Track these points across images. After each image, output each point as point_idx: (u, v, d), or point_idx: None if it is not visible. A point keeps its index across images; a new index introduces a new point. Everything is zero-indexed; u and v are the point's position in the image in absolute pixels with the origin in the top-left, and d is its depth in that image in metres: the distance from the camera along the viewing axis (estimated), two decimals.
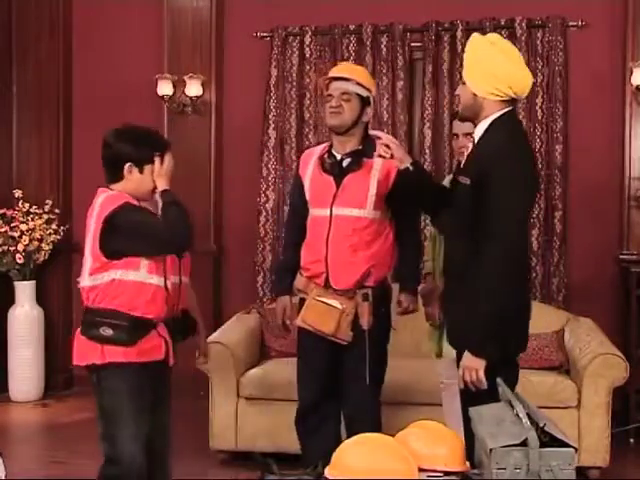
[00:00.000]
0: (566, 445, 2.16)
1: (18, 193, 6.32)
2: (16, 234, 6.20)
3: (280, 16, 6.17)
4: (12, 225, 6.24)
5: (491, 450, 2.16)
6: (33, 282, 6.35)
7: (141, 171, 3.27)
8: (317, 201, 3.90)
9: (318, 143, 5.35)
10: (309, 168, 3.98)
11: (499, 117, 3.15)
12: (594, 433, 4.59)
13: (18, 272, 6.29)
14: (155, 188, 3.29)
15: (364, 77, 3.93)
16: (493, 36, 3.27)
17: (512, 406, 2.33)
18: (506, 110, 3.16)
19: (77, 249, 3.32)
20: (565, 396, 4.67)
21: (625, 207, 5.79)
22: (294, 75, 6.16)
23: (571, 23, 5.89)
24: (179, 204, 3.26)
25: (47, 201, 6.34)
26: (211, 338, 4.90)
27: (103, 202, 3.22)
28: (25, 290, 6.32)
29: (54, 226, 6.31)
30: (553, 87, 5.86)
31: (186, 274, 4.10)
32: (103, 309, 3.21)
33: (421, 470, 2.28)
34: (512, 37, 5.70)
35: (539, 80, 5.79)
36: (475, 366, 3.05)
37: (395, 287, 3.99)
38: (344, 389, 3.91)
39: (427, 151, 5.97)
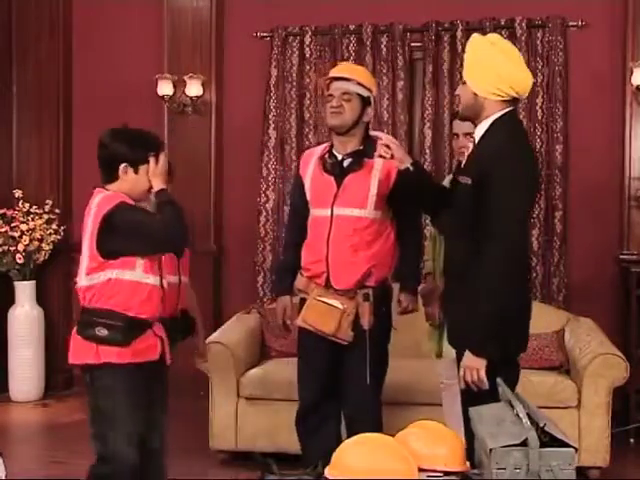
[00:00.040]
0: (566, 445, 2.16)
1: (18, 193, 6.33)
2: (16, 234, 6.21)
3: (280, 16, 6.17)
4: (12, 225, 6.24)
5: (491, 450, 2.16)
6: (33, 282, 6.35)
7: (136, 171, 3.29)
8: (318, 201, 3.90)
9: (318, 143, 5.35)
10: (310, 168, 3.98)
11: (500, 117, 3.15)
12: (594, 433, 4.59)
13: (18, 272, 6.29)
14: (151, 188, 3.31)
15: (365, 77, 3.93)
16: (493, 36, 3.27)
17: (512, 406, 2.33)
18: (507, 110, 3.16)
19: (77, 249, 3.33)
20: (565, 396, 4.67)
21: (625, 207, 5.79)
22: (294, 75, 6.16)
23: (571, 23, 5.89)
24: (174, 203, 3.28)
25: (47, 201, 6.35)
26: (211, 338, 4.91)
27: (100, 202, 3.24)
28: (25, 290, 6.32)
29: (54, 226, 6.31)
30: (553, 87, 5.86)
31: (185, 274, 4.12)
32: (99, 309, 3.23)
33: (421, 470, 2.28)
34: (512, 37, 5.70)
35: (539, 80, 5.79)
36: (476, 366, 3.05)
37: (395, 287, 3.99)
38: (344, 389, 3.91)
39: (427, 151, 5.97)
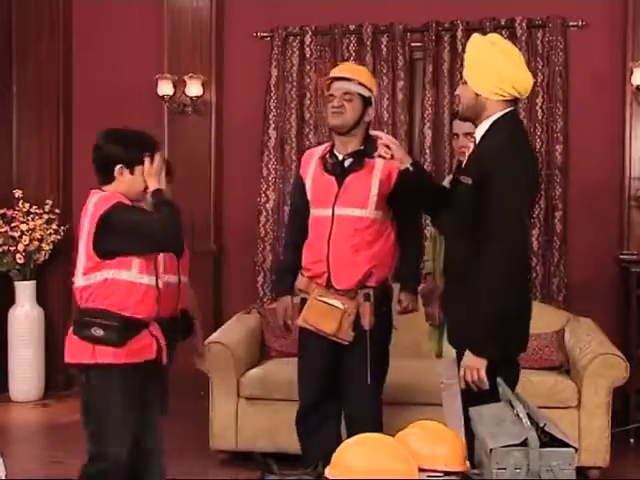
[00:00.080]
0: (566, 445, 2.16)
1: (18, 193, 6.33)
2: (16, 234, 6.21)
3: (280, 16, 6.17)
4: (12, 225, 6.24)
5: (491, 450, 2.16)
6: (33, 282, 6.35)
7: (132, 172, 3.30)
8: (319, 201, 3.90)
9: (319, 143, 5.36)
10: (310, 168, 3.98)
11: (501, 117, 3.15)
12: (594, 433, 4.59)
13: (18, 272, 6.29)
14: (147, 188, 3.31)
15: (366, 77, 3.93)
16: (493, 36, 3.27)
17: (512, 406, 2.33)
18: (508, 110, 3.16)
19: (76, 249, 3.35)
20: (565, 396, 4.67)
21: (625, 207, 5.79)
22: (294, 75, 6.16)
23: (571, 23, 5.89)
24: (170, 203, 3.29)
25: (47, 201, 6.35)
26: (211, 338, 4.92)
27: (97, 202, 3.25)
28: (25, 290, 6.33)
29: (54, 226, 6.31)
30: (553, 87, 5.86)
31: (185, 274, 4.12)
32: (94, 309, 3.24)
33: (421, 470, 2.28)
34: (512, 37, 5.70)
35: (539, 80, 5.79)
36: (476, 366, 3.05)
37: (395, 287, 3.99)
38: (345, 389, 3.91)
39: (427, 151, 5.97)
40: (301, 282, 3.98)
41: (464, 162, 3.34)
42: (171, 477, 3.80)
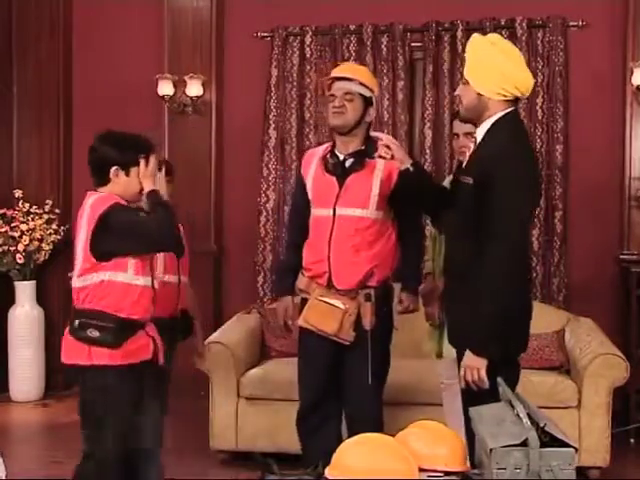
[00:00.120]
0: (566, 445, 2.16)
1: (18, 193, 6.33)
2: (16, 234, 6.21)
3: (280, 16, 6.17)
4: (12, 225, 6.24)
5: (491, 450, 2.16)
6: (33, 282, 6.35)
7: (127, 174, 3.32)
8: (320, 201, 3.90)
9: (319, 143, 5.36)
10: (311, 168, 3.98)
11: (502, 117, 3.15)
12: (594, 433, 4.59)
13: (18, 272, 6.30)
14: (142, 190, 3.33)
15: (367, 77, 3.93)
16: (493, 36, 3.27)
17: (512, 406, 2.33)
18: (509, 110, 3.16)
19: (74, 250, 3.38)
20: (565, 396, 4.67)
21: (625, 207, 5.79)
22: (294, 75, 6.16)
23: (571, 23, 5.89)
24: (165, 204, 3.32)
25: (47, 201, 6.35)
26: (211, 338, 4.92)
27: (93, 203, 3.27)
28: (25, 290, 6.33)
29: (54, 226, 6.31)
30: (553, 87, 5.86)
31: (185, 274, 4.12)
32: (90, 310, 3.26)
33: (421, 470, 2.28)
34: (512, 37, 5.70)
35: (540, 80, 5.79)
36: (477, 365, 3.05)
37: (396, 287, 3.99)
38: (346, 389, 3.91)
39: (427, 151, 5.97)
40: (302, 282, 3.98)
41: (465, 162, 3.34)
42: (171, 477, 3.81)
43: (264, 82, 6.17)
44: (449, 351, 3.51)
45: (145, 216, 3.29)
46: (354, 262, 3.80)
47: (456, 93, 3.43)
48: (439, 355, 4.08)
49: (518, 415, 2.24)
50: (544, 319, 4.86)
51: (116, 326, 3.24)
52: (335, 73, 3.96)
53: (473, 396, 2.99)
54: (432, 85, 5.98)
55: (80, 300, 3.29)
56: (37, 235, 6.23)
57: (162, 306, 3.92)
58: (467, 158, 3.30)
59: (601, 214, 5.91)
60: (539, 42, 5.87)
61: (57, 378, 6.45)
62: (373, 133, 3.96)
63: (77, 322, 3.28)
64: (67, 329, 3.34)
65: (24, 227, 6.21)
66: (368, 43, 6.03)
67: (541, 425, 2.17)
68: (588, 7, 5.89)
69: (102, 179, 3.32)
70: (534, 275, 5.71)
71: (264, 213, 6.18)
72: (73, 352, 3.29)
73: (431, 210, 3.68)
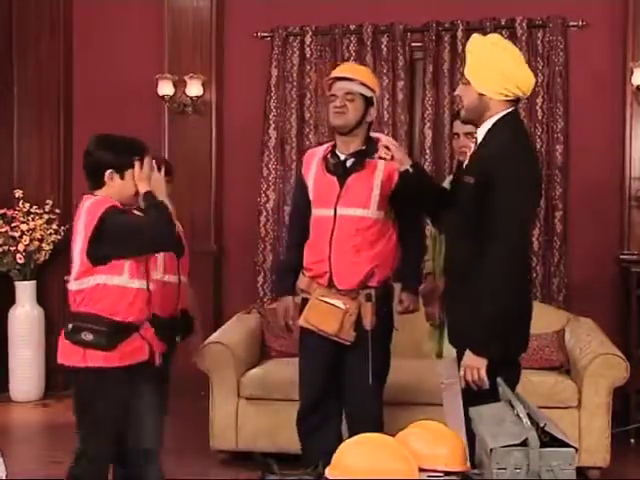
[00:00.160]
0: (566, 445, 2.16)
1: (19, 193, 6.33)
2: (17, 234, 6.21)
3: (280, 16, 6.17)
4: (13, 225, 6.24)
5: (491, 450, 2.16)
6: (33, 282, 6.35)
7: (122, 177, 3.34)
8: (321, 201, 3.90)
9: (319, 143, 5.36)
10: (312, 168, 3.97)
11: (503, 117, 3.15)
12: (594, 433, 4.59)
13: (18, 272, 6.30)
14: (137, 192, 3.35)
15: (368, 77, 3.93)
16: (494, 36, 3.28)
17: (512, 406, 2.33)
18: (510, 110, 3.16)
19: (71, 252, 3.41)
20: (565, 396, 4.66)
21: (625, 207, 5.79)
22: (294, 75, 6.16)
23: (571, 23, 5.89)
24: (161, 205, 3.33)
25: (47, 201, 6.35)
26: (211, 338, 4.92)
27: (90, 207, 3.29)
28: (25, 290, 6.33)
29: (54, 226, 6.31)
30: (554, 87, 5.86)
31: (185, 274, 4.12)
32: (85, 313, 3.28)
33: (421, 470, 2.28)
34: (513, 37, 5.70)
35: (540, 80, 5.78)
36: (477, 365, 3.05)
37: (396, 287, 3.99)
38: (346, 389, 3.91)
39: (427, 151, 5.97)
40: (302, 282, 3.98)
41: (465, 162, 3.33)
42: (171, 477, 3.81)
43: (264, 82, 6.17)
44: (449, 351, 3.52)
45: (141, 218, 3.32)
46: (355, 262, 3.80)
47: (456, 93, 3.43)
48: (439, 355, 4.08)
49: (518, 415, 2.24)
50: (544, 319, 4.86)
51: (109, 329, 3.26)
52: (336, 73, 3.96)
53: (473, 396, 2.99)
54: (432, 85, 5.98)
55: (76, 303, 3.32)
56: (37, 235, 6.23)
57: (162, 306, 3.92)
58: (468, 158, 3.30)
59: (601, 214, 5.91)
60: (539, 42, 5.87)
61: (57, 378, 6.44)
62: (373, 134, 3.96)
63: (71, 325, 3.31)
64: (62, 332, 3.37)
65: (24, 227, 6.21)
66: (368, 43, 6.03)
67: (541, 425, 2.17)
68: (588, 7, 5.89)
69: (97, 182, 3.35)
70: (534, 275, 5.71)
71: (264, 213, 6.18)
72: (68, 354, 3.32)
73: (431, 211, 3.68)
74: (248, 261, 6.21)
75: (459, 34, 5.90)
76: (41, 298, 6.40)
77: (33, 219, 6.25)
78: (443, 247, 3.80)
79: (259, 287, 6.18)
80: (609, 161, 5.88)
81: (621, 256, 5.76)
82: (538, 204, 3.66)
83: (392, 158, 3.33)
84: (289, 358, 4.74)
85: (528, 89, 3.18)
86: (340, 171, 3.87)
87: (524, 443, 2.14)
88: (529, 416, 2.22)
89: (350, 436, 2.73)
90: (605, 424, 4.60)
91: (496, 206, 3.03)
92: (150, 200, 3.31)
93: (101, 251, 3.23)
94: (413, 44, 6.07)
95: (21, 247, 6.18)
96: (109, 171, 3.31)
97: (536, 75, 5.65)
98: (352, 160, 3.87)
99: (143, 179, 3.34)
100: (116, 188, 3.33)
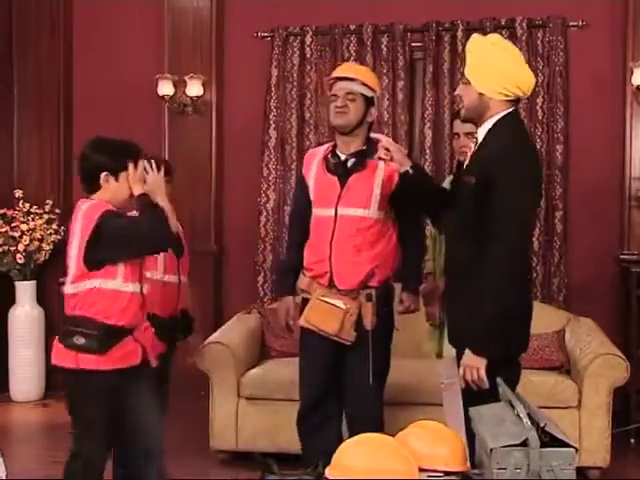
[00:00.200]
0: (566, 445, 2.16)
1: (19, 193, 6.33)
2: (17, 234, 6.21)
3: (281, 16, 6.17)
4: (13, 225, 6.24)
5: (491, 450, 2.16)
6: (34, 282, 6.35)
7: (117, 179, 3.35)
8: (322, 201, 3.90)
9: (319, 143, 5.36)
10: (313, 168, 3.97)
11: (503, 117, 3.14)
12: (594, 433, 4.59)
13: (19, 272, 6.30)
14: (132, 194, 3.37)
15: (369, 77, 3.93)
16: (494, 36, 3.28)
17: (513, 406, 2.33)
18: (510, 110, 3.16)
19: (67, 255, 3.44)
20: (566, 396, 4.66)
21: (626, 207, 5.79)
22: (295, 75, 6.16)
23: (571, 23, 5.89)
24: (156, 207, 3.35)
25: (47, 201, 6.35)
26: (211, 338, 4.92)
27: (86, 211, 3.31)
28: (26, 290, 6.33)
29: (54, 226, 6.31)
30: (554, 87, 5.86)
31: (185, 274, 4.13)
32: (79, 317, 3.30)
33: (421, 470, 2.28)
34: (513, 37, 5.70)
35: (540, 80, 5.78)
36: (476, 365, 3.05)
37: (397, 287, 3.99)
38: (347, 389, 3.91)
39: (427, 151, 5.97)
40: (303, 282, 3.98)
41: (466, 162, 3.33)
42: (171, 477, 3.80)
43: (264, 82, 6.17)
44: (449, 351, 3.51)
45: (136, 221, 3.34)
46: (355, 262, 3.80)
47: (456, 93, 3.43)
48: (439, 355, 4.08)
49: (518, 415, 2.24)
50: (544, 319, 4.86)
51: (101, 333, 3.28)
52: (337, 73, 3.96)
53: (473, 396, 2.98)
54: (432, 85, 5.97)
55: (71, 307, 3.34)
56: (37, 235, 6.24)
57: (162, 306, 3.93)
58: (468, 158, 3.30)
59: (601, 214, 5.91)
60: (539, 42, 5.87)
61: (57, 378, 6.41)
62: (373, 134, 3.96)
63: (65, 329, 3.34)
64: (57, 337, 3.40)
65: (24, 227, 6.21)
66: (368, 43, 6.03)
67: (541, 425, 2.17)
68: (588, 7, 5.89)
69: (92, 186, 3.37)
70: (534, 275, 5.71)
71: (264, 213, 6.18)
72: (62, 357, 3.34)
73: (431, 211, 3.68)
74: (248, 261, 6.21)
75: (459, 34, 5.90)
76: (41, 298, 6.40)
77: (33, 219, 6.26)
78: (443, 247, 3.80)
79: (259, 287, 6.18)
80: (609, 161, 5.88)
81: (621, 256, 5.76)
82: (538, 204, 3.66)
83: (391, 159, 3.33)
84: (289, 358, 4.74)
85: (528, 89, 3.18)
86: (341, 171, 3.87)
87: (524, 443, 2.14)
88: (529, 416, 2.22)
89: (350, 436, 2.73)
90: (605, 424, 4.60)
91: (496, 206, 3.03)
92: (146, 202, 3.33)
93: (98, 255, 3.25)
94: (413, 44, 6.07)
95: (21, 247, 6.18)
96: (104, 174, 3.33)
97: (536, 75, 5.65)
98: (353, 160, 3.87)
99: (137, 181, 3.36)
100: (110, 191, 3.35)
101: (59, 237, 6.32)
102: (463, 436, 2.71)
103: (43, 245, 6.27)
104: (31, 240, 6.21)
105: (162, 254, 3.84)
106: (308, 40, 6.13)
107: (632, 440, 5.28)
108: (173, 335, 4.06)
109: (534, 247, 5.76)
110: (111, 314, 3.29)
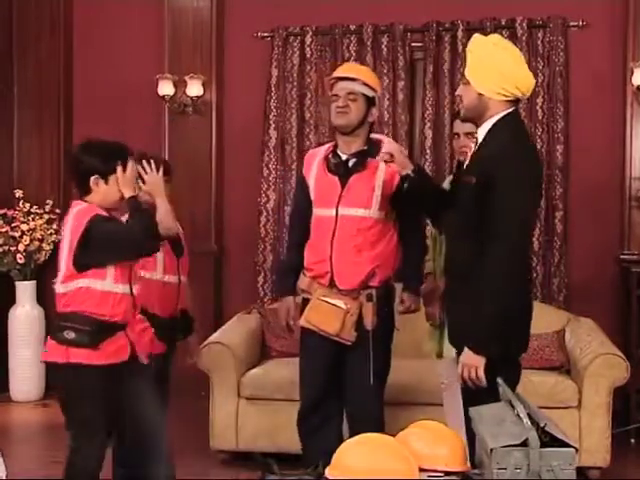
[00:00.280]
0: (567, 445, 2.16)
1: (19, 193, 6.33)
2: (17, 234, 6.21)
3: (281, 16, 6.17)
4: (13, 225, 6.24)
5: (492, 450, 2.16)
6: (34, 282, 6.35)
7: (106, 182, 3.36)
8: (322, 201, 3.90)
9: (319, 143, 5.36)
10: (313, 168, 3.97)
11: (503, 117, 3.14)
12: (595, 433, 4.59)
13: (19, 272, 6.29)
14: (122, 197, 3.37)
15: (370, 77, 3.93)
16: (494, 37, 3.28)
17: (513, 406, 2.33)
18: (510, 110, 3.16)
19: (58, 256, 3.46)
20: (566, 396, 4.66)
21: (626, 207, 5.79)
22: (295, 75, 6.16)
23: (572, 23, 5.89)
24: (144, 210, 3.38)
25: (48, 201, 6.35)
26: (211, 338, 4.92)
27: (76, 214, 3.34)
28: (26, 290, 6.33)
29: (55, 226, 6.31)
30: (554, 87, 5.86)
31: (184, 274, 4.13)
32: (70, 312, 3.33)
33: (422, 470, 2.28)
34: (513, 37, 5.70)
35: (540, 80, 5.78)
36: (475, 363, 3.05)
37: (398, 287, 3.99)
38: (347, 389, 3.91)
39: (428, 151, 5.97)
40: (303, 282, 3.98)
41: (466, 162, 3.33)
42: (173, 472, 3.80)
43: (264, 82, 6.17)
44: (449, 351, 3.51)
45: (124, 224, 3.36)
46: (356, 262, 3.80)
47: (457, 93, 3.43)
48: (439, 355, 4.08)
49: (518, 415, 2.24)
50: (544, 319, 4.86)
51: (92, 328, 3.29)
52: (338, 73, 3.96)
53: (473, 396, 2.98)
54: (432, 85, 5.97)
55: (61, 305, 3.37)
56: (37, 235, 6.24)
57: (162, 306, 3.93)
58: (468, 158, 3.30)
59: (601, 214, 5.91)
60: (539, 42, 5.87)
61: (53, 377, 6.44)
62: (374, 135, 3.96)
63: (56, 325, 3.37)
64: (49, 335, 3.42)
65: (24, 227, 6.21)
66: (368, 43, 6.03)
67: (541, 425, 2.17)
68: (588, 7, 5.89)
69: (83, 189, 3.38)
70: (534, 275, 5.71)
71: (264, 213, 6.18)
72: (52, 351, 3.36)
73: (432, 212, 3.68)
74: (248, 261, 6.21)
75: (459, 34, 5.90)
76: (41, 298, 6.40)
77: (33, 219, 6.26)
78: (443, 247, 3.80)
79: (259, 287, 6.18)
80: (609, 161, 5.88)
81: (621, 256, 5.76)
82: (539, 204, 3.66)
83: (393, 161, 3.33)
84: (289, 358, 4.74)
85: (527, 90, 3.18)
86: (342, 171, 3.87)
87: (524, 443, 2.14)
88: (529, 416, 2.22)
89: (351, 436, 2.73)
90: (605, 424, 4.60)
91: (496, 206, 3.03)
92: (135, 205, 3.35)
93: (86, 259, 3.28)
94: (413, 44, 6.07)
95: (21, 247, 6.18)
96: (94, 177, 3.34)
97: (536, 75, 5.66)
98: (354, 160, 3.87)
99: (127, 184, 3.36)
100: (100, 194, 3.36)
101: (59, 237, 6.31)
102: (463, 436, 2.71)
103: (43, 245, 6.27)
104: (31, 240, 6.21)
105: (162, 254, 3.84)
106: (308, 40, 6.13)
107: (632, 440, 5.28)
108: (173, 335, 4.06)
109: (534, 247, 5.76)
110: (102, 311, 3.31)
